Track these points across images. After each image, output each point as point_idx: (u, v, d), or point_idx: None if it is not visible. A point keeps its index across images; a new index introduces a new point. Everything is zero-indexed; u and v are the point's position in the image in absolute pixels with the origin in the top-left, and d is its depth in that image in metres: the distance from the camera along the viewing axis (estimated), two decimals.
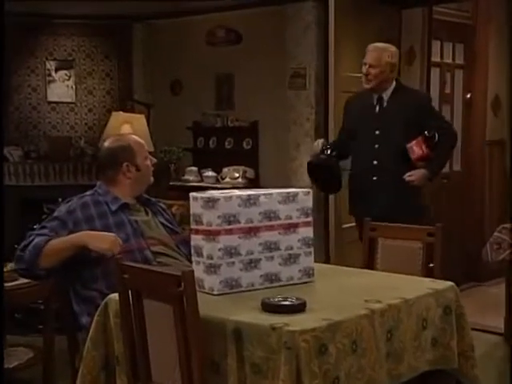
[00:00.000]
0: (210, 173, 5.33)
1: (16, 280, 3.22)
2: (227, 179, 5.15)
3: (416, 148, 3.41)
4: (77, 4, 5.43)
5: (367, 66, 3.48)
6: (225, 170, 5.24)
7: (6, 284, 3.18)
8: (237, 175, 5.10)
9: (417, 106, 3.49)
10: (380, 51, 3.49)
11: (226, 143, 5.55)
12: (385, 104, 3.51)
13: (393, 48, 3.55)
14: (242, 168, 5.16)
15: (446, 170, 6.04)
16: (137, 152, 2.53)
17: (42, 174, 5.39)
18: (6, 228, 5.10)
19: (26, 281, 3.05)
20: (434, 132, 3.42)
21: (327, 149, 3.60)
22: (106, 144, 2.56)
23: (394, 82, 3.54)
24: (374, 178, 3.47)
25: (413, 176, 3.44)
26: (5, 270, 3.28)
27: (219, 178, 5.25)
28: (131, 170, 2.51)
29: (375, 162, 3.48)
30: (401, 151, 3.45)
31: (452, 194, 5.77)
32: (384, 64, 3.47)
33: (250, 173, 5.22)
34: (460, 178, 5.90)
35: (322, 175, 3.67)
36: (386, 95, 3.50)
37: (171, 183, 5.37)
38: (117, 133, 4.74)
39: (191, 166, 5.57)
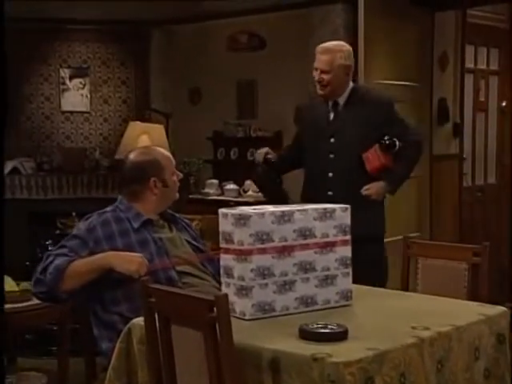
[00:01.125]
0: (232, 186, 5.26)
1: (29, 300, 3.18)
2: (250, 192, 5.08)
3: (371, 158, 3.16)
4: (91, 9, 5.42)
5: (318, 72, 3.19)
6: (247, 182, 5.17)
7: (18, 305, 3.15)
8: None
9: (377, 110, 3.20)
10: (332, 53, 3.17)
11: (249, 154, 5.49)
12: (340, 109, 3.23)
13: (346, 47, 3.23)
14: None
15: (480, 182, 5.97)
16: (165, 167, 2.48)
17: (55, 186, 5.36)
18: (17, 244, 5.13)
19: (38, 301, 3.00)
20: (393, 140, 3.16)
21: (265, 160, 3.39)
22: (132, 157, 2.50)
23: (351, 84, 3.25)
24: (330, 193, 3.14)
25: (370, 189, 3.16)
26: (17, 289, 3.24)
27: (241, 191, 5.19)
28: (158, 185, 2.46)
29: (330, 175, 3.20)
30: (359, 161, 3.18)
31: (487, 208, 5.66)
32: (337, 67, 3.16)
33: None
34: (495, 190, 5.80)
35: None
36: (341, 100, 3.23)
37: (190, 196, 5.31)
38: (134, 144, 4.71)
39: (211, 178, 5.52)
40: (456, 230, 5.68)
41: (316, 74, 3.20)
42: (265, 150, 3.43)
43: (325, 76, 3.17)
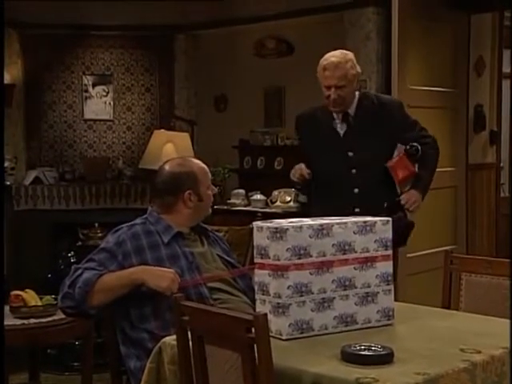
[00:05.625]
0: (259, 196, 5.21)
1: (53, 315, 3.15)
2: (278, 203, 5.02)
3: (400, 167, 3.10)
4: (115, 14, 5.43)
5: (333, 90, 3.04)
6: (275, 192, 5.11)
7: (41, 320, 3.12)
8: (288, 199, 4.96)
9: (389, 116, 3.14)
10: (342, 66, 3.04)
11: (276, 163, 5.43)
12: (351, 120, 3.14)
13: (349, 54, 3.12)
14: (293, 191, 5.02)
15: None
16: (201, 180, 2.46)
17: (77, 197, 5.33)
18: (38, 256, 5.11)
19: (62, 316, 2.97)
20: (416, 145, 3.12)
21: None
22: (168, 168, 2.47)
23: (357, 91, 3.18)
24: (357, 210, 2.99)
25: (408, 201, 3.10)
26: (40, 303, 3.21)
27: (268, 201, 5.13)
28: (193, 199, 2.44)
29: (356, 191, 3.10)
30: (383, 173, 3.11)
31: None
32: (351, 79, 3.06)
33: (303, 196, 5.08)
34: None
35: None
36: (351, 110, 3.14)
37: (216, 207, 5.26)
38: (158, 153, 4.70)
39: (237, 188, 5.47)
40: (492, 242, 5.57)
41: (331, 93, 3.06)
42: (301, 166, 3.15)
43: (341, 92, 3.05)
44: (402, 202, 3.11)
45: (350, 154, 3.12)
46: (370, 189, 3.10)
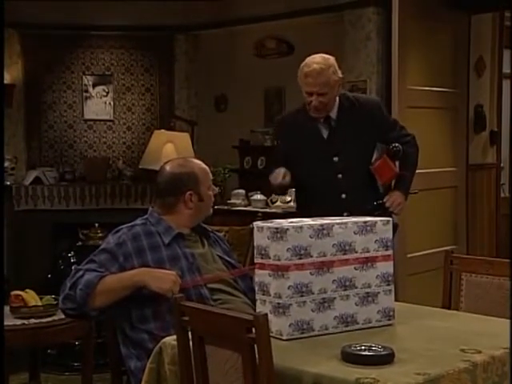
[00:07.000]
0: (259, 196, 5.20)
1: (53, 315, 3.15)
2: (278, 203, 5.01)
3: (383, 169, 3.07)
4: (115, 15, 5.43)
5: (315, 97, 2.97)
6: None
7: (41, 320, 3.12)
8: (288, 199, 4.95)
9: (369, 116, 3.09)
10: (325, 72, 2.94)
11: None
12: (334, 123, 3.08)
13: (331, 59, 3.03)
14: (293, 191, 5.01)
15: None
16: (202, 180, 2.45)
17: (78, 197, 5.33)
18: (39, 256, 5.11)
19: (62, 317, 2.98)
20: (398, 146, 3.06)
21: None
22: (168, 168, 2.47)
23: None
24: (345, 214, 2.80)
25: (393, 204, 3.06)
26: (40, 303, 3.21)
27: (269, 201, 5.13)
28: (193, 199, 2.43)
29: (344, 196, 3.07)
30: (367, 175, 3.08)
31: None
32: (333, 85, 2.98)
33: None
34: None
35: None
36: (333, 113, 3.08)
37: (216, 207, 5.25)
38: (158, 153, 4.71)
39: (237, 188, 5.47)
40: (492, 243, 5.58)
41: (313, 99, 2.99)
42: (282, 171, 3.06)
43: (323, 99, 2.99)
44: (387, 205, 3.07)
45: (335, 159, 3.09)
46: (357, 193, 3.07)
